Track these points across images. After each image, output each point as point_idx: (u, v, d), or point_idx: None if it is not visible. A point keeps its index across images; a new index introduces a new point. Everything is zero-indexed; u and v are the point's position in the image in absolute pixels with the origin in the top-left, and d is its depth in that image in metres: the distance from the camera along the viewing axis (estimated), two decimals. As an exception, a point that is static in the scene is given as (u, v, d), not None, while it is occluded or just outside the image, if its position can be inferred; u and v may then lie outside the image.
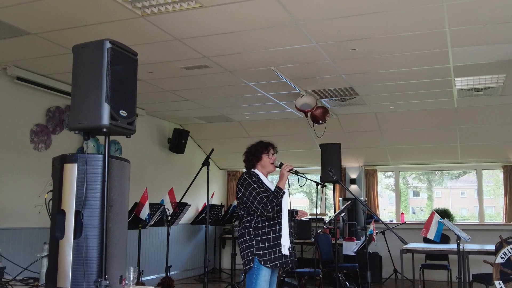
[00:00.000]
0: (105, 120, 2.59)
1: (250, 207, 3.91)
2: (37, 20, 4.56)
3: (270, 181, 4.17)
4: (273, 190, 3.97)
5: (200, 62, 5.80)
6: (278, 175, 4.08)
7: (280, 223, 3.94)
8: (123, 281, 2.81)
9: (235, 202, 9.35)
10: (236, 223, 8.98)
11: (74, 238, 2.56)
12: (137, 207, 6.89)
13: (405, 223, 9.53)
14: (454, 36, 4.85)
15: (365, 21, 4.52)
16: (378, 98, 7.45)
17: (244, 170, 4.20)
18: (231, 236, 8.75)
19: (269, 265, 3.84)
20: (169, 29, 4.78)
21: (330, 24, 4.59)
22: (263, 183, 4.00)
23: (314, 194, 11.52)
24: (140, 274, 6.85)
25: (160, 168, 9.04)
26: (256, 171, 4.09)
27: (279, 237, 3.89)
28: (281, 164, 4.10)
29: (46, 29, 4.77)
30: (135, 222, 6.95)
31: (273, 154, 4.15)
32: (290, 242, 3.95)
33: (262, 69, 6.03)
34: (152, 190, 7.67)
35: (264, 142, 4.18)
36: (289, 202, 4.07)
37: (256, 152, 4.12)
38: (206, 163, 5.63)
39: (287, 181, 4.10)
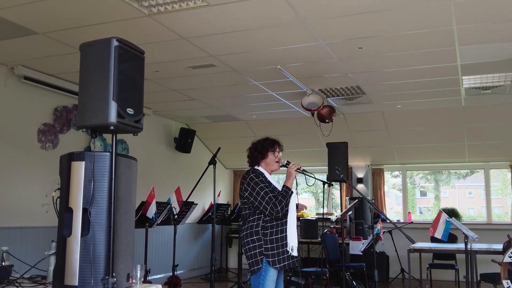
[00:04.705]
0: (112, 118, 2.60)
1: (257, 207, 3.81)
2: (44, 20, 4.58)
3: (277, 181, 4.12)
4: (279, 189, 3.91)
5: (206, 61, 5.81)
6: (282, 174, 4.01)
7: (286, 223, 3.85)
8: (130, 279, 2.81)
9: (241, 202, 9.35)
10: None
11: (82, 235, 2.57)
12: (144, 205, 6.91)
13: (412, 222, 9.49)
14: (462, 34, 4.82)
15: (372, 19, 4.50)
16: (385, 97, 7.42)
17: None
18: (237, 235, 8.76)
19: (277, 266, 3.75)
20: (175, 28, 4.79)
21: (336, 22, 4.58)
22: (270, 183, 3.92)
23: (321, 194, 11.50)
24: (147, 272, 6.86)
25: (167, 167, 9.06)
26: (261, 169, 3.98)
27: (286, 237, 3.82)
28: (288, 163, 4.00)
29: (53, 28, 4.79)
30: (142, 221, 6.96)
31: (278, 152, 4.05)
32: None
33: (268, 68, 6.03)
34: (159, 189, 7.68)
35: (270, 139, 4.07)
36: (296, 202, 4.01)
37: (261, 149, 4.01)
38: (212, 161, 5.63)
39: (294, 181, 3.98)
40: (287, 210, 3.86)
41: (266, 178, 3.93)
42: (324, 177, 7.16)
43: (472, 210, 11.39)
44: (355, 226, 8.94)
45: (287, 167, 4.00)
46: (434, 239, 7.28)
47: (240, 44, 5.20)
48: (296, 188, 4.02)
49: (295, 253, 3.84)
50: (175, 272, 7.60)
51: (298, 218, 8.56)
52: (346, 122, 8.83)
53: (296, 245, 3.86)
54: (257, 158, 4.02)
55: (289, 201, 3.87)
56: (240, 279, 7.90)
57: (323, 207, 6.37)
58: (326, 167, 7.07)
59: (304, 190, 11.42)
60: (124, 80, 2.69)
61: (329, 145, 7.23)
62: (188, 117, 9.20)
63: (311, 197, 12.10)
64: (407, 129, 8.88)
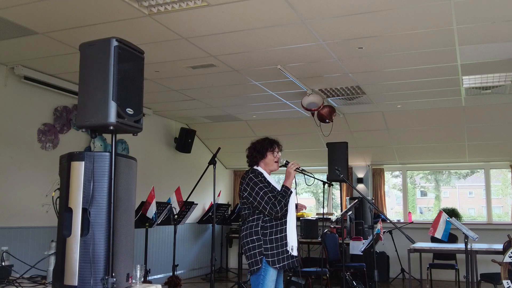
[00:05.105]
0: (112, 118, 2.60)
1: (257, 207, 3.81)
2: (44, 20, 4.58)
3: (277, 181, 4.11)
4: (279, 189, 3.90)
5: (206, 61, 5.80)
6: (282, 174, 4.00)
7: (286, 223, 3.85)
8: (130, 279, 2.81)
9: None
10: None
11: (81, 235, 2.57)
12: (144, 205, 6.91)
13: (412, 222, 9.49)
14: (462, 34, 4.82)
15: (372, 19, 4.50)
16: (385, 97, 7.42)
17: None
18: (238, 235, 8.76)
19: (277, 265, 3.75)
20: (175, 28, 4.78)
21: (336, 22, 4.58)
22: (269, 183, 3.91)
23: (321, 194, 11.50)
24: (147, 272, 6.86)
25: (167, 167, 9.06)
26: (260, 169, 3.98)
27: (286, 237, 3.82)
28: (287, 163, 4.00)
29: (53, 28, 4.79)
30: (142, 221, 6.96)
31: (277, 153, 4.05)
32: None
33: (268, 68, 6.03)
34: (159, 189, 7.68)
35: (269, 139, 4.07)
36: (295, 202, 4.00)
37: (260, 149, 4.01)
38: (212, 161, 5.63)
39: (293, 180, 3.99)
40: (286, 210, 3.85)
41: (265, 178, 3.93)
42: (324, 177, 7.17)
43: (472, 210, 11.39)
44: (355, 226, 8.94)
45: (286, 167, 4.00)
46: (434, 239, 7.29)
47: (240, 44, 5.20)
48: (296, 188, 4.02)
49: (295, 253, 3.83)
50: (175, 272, 7.60)
51: (298, 218, 8.57)
52: (346, 122, 8.83)
53: (296, 244, 3.86)
54: (256, 158, 4.02)
55: (288, 201, 3.86)
56: (240, 279, 7.89)
57: (323, 207, 6.36)
58: (326, 167, 7.08)
59: (305, 190, 11.42)
60: (124, 80, 2.69)
61: (329, 145, 7.24)
62: (188, 117, 9.20)
63: (311, 197, 12.09)
64: (407, 129, 8.88)
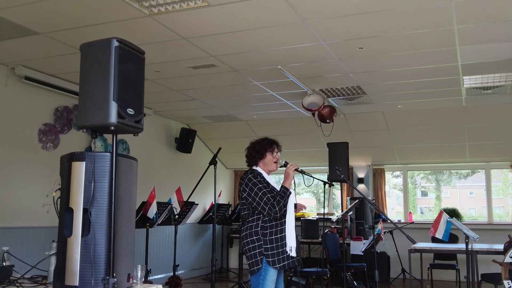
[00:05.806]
0: (113, 118, 2.60)
1: (256, 208, 3.81)
2: (45, 20, 4.59)
3: (277, 181, 4.11)
4: (278, 189, 3.90)
5: (207, 61, 5.81)
6: (282, 174, 3.99)
7: (285, 223, 3.84)
8: (131, 279, 2.81)
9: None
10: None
11: (82, 236, 2.57)
12: (145, 206, 6.91)
13: (413, 222, 9.49)
14: (462, 34, 4.82)
15: (372, 19, 4.50)
16: (385, 97, 7.42)
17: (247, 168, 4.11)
18: (238, 235, 8.76)
19: (277, 265, 3.75)
20: (176, 28, 4.79)
21: (337, 22, 4.58)
22: (268, 183, 3.91)
23: (322, 194, 11.50)
24: (147, 272, 6.86)
25: (168, 168, 9.06)
26: (259, 169, 3.98)
27: (285, 237, 3.81)
28: (286, 163, 3.99)
29: (54, 28, 4.79)
30: (143, 221, 6.96)
31: (277, 153, 4.04)
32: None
33: (269, 68, 6.03)
34: (159, 189, 7.68)
35: (269, 139, 4.06)
36: (294, 202, 4.00)
37: (260, 149, 4.00)
38: (213, 162, 5.63)
39: (292, 181, 3.97)
40: (285, 211, 3.85)
41: (264, 179, 3.92)
42: (324, 177, 7.17)
43: (473, 210, 11.39)
44: (356, 226, 8.94)
45: (285, 168, 3.99)
46: (435, 239, 7.29)
47: (241, 44, 5.21)
48: (295, 189, 4.02)
49: (293, 254, 3.83)
50: (176, 272, 7.60)
51: (298, 218, 8.57)
52: (347, 122, 8.83)
53: (295, 245, 3.85)
54: (255, 158, 4.02)
55: (287, 201, 3.85)
56: (241, 279, 7.90)
57: (324, 207, 6.36)
58: (327, 167, 7.08)
59: (305, 190, 11.42)
60: (125, 81, 2.69)
61: (329, 145, 7.24)
62: (189, 117, 9.20)
63: (312, 197, 12.09)
64: (408, 129, 8.88)
